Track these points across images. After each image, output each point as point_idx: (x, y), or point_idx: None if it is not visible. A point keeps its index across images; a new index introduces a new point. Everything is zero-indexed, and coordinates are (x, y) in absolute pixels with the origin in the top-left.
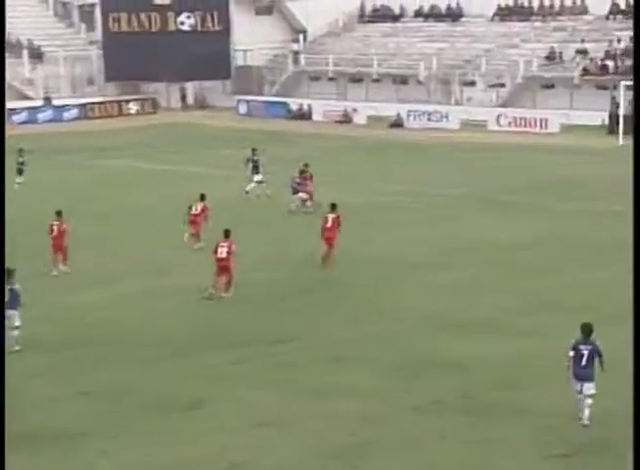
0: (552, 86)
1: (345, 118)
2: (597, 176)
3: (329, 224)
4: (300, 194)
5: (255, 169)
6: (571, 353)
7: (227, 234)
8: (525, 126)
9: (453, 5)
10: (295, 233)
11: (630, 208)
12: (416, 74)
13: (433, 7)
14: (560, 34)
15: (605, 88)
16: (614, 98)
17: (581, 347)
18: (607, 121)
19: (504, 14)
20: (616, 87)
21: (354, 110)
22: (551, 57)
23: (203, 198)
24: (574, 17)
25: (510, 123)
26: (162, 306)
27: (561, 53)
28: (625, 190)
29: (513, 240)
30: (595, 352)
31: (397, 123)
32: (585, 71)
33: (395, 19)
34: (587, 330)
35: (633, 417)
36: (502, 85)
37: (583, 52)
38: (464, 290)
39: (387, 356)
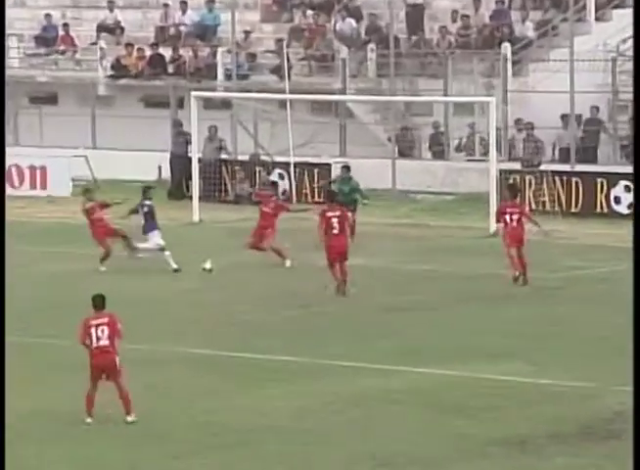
0: (54, 100)
1: None
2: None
3: None
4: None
5: None
6: None
7: None
8: None
9: None
10: None
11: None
12: None
13: None
14: None
15: (160, 105)
16: (179, 125)
17: None
18: (166, 174)
19: None
20: (182, 105)
21: None
22: (44, 38)
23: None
24: None
25: None
26: None
27: (67, 27)
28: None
29: None
30: None
31: None
32: (119, 70)
33: None
34: None
35: (633, 417)
36: None
37: (113, 29)
38: None
39: None
